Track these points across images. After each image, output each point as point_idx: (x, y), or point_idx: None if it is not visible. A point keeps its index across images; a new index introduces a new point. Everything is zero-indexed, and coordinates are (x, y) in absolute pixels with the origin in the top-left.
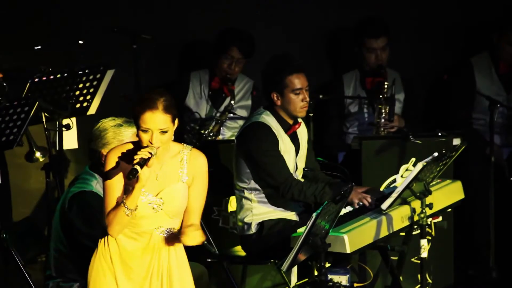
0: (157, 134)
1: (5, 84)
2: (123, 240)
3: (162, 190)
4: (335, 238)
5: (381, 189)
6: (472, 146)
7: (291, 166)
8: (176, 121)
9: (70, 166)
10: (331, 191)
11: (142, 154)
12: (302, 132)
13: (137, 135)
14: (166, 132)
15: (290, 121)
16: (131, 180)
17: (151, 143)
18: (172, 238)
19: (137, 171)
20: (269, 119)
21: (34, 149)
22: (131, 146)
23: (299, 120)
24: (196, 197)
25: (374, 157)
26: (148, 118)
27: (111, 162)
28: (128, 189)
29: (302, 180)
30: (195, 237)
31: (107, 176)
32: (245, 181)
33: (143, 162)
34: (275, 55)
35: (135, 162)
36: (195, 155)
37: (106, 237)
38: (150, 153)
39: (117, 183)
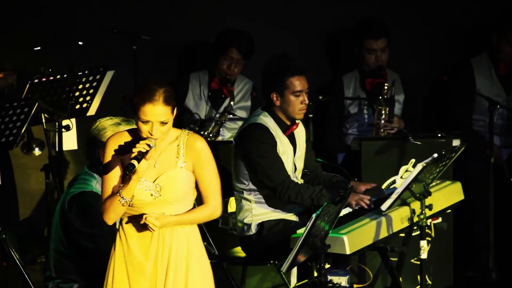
0: (157, 126)
1: (14, 83)
2: (130, 231)
3: (159, 177)
4: (335, 239)
5: None
6: (472, 147)
7: (289, 167)
8: (175, 110)
9: (70, 167)
10: (329, 193)
11: (140, 147)
12: (300, 132)
13: (137, 125)
14: (166, 123)
15: (288, 122)
16: (128, 175)
17: (151, 135)
18: (184, 229)
19: (134, 166)
20: (267, 120)
21: (33, 144)
22: (130, 135)
23: (297, 121)
24: (202, 180)
25: (373, 158)
26: (148, 111)
27: (110, 150)
28: (125, 178)
29: (302, 180)
30: (201, 210)
31: (106, 164)
32: (244, 182)
33: (141, 156)
34: (277, 55)
35: (132, 156)
36: (192, 139)
37: (118, 233)
38: (149, 146)
39: (115, 171)
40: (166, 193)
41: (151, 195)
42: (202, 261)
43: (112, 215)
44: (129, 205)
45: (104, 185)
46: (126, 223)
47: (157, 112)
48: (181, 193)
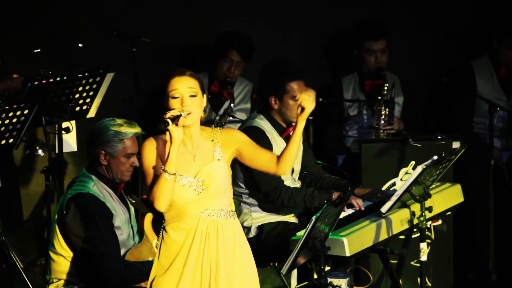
0: (187, 97)
1: (20, 87)
2: (173, 234)
3: (200, 171)
4: (335, 241)
5: None
6: (472, 149)
7: None
8: (205, 97)
9: (70, 169)
10: (321, 195)
11: (172, 111)
12: None
13: (168, 106)
14: (195, 96)
15: (284, 125)
16: (162, 129)
17: (181, 107)
18: (229, 223)
19: (167, 123)
20: (262, 123)
21: (36, 146)
22: (163, 139)
23: (293, 123)
24: (256, 154)
25: (373, 160)
26: (176, 82)
27: (147, 151)
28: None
29: (299, 182)
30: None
31: (146, 165)
32: (241, 186)
33: (173, 119)
34: (276, 58)
35: (165, 117)
36: (225, 131)
37: (161, 239)
38: (180, 112)
39: (154, 169)
40: (209, 186)
41: (194, 190)
42: (247, 256)
43: (162, 197)
44: (173, 201)
45: (147, 181)
46: (169, 230)
47: (185, 83)
48: (222, 185)
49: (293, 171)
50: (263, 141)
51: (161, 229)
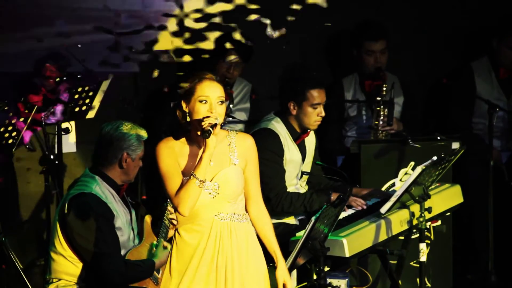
0: (215, 104)
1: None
2: (186, 236)
3: (216, 175)
4: (334, 242)
5: None
6: (471, 150)
7: (294, 174)
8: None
9: (69, 169)
10: (319, 197)
11: (210, 119)
12: (310, 140)
13: (192, 109)
14: (222, 103)
15: (299, 130)
16: (207, 138)
17: (211, 113)
18: (242, 226)
19: (210, 131)
20: (278, 126)
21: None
22: (178, 140)
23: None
24: (253, 179)
25: (373, 161)
26: (206, 87)
27: (165, 154)
28: (188, 173)
29: (306, 187)
30: (269, 222)
31: (164, 166)
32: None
33: (212, 127)
34: (296, 64)
35: (204, 127)
36: (242, 137)
37: (173, 239)
38: (216, 121)
39: (174, 170)
40: (224, 191)
41: (210, 193)
42: (259, 258)
43: (188, 202)
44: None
45: (168, 184)
46: (181, 232)
47: (215, 88)
48: (237, 190)
49: (301, 176)
50: (275, 145)
51: (174, 231)
